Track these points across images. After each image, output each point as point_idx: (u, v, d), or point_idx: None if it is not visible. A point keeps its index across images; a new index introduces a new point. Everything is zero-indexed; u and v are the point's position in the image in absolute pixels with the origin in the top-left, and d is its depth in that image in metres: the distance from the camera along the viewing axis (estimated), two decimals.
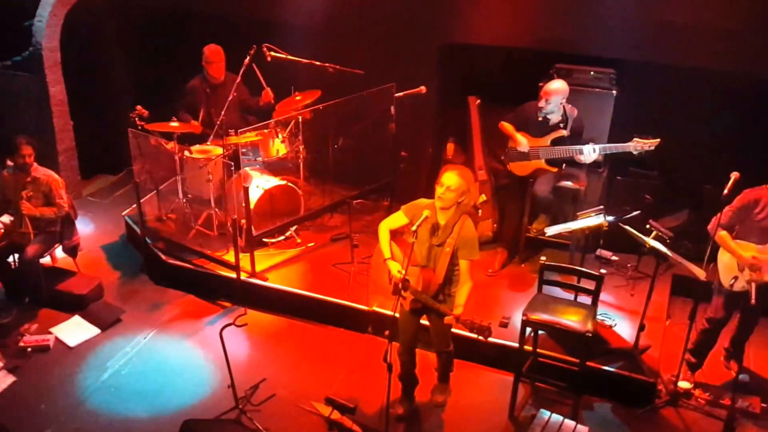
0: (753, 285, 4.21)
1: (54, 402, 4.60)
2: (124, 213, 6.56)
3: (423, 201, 4.12)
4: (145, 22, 7.15)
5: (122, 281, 5.93)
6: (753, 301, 4.16)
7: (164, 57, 6.99)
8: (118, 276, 5.99)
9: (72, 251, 5.72)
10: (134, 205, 6.10)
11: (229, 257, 5.60)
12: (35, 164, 5.31)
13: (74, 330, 5.26)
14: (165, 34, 7.03)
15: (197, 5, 6.89)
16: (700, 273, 4.43)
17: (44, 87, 6.50)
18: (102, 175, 7.66)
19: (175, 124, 5.83)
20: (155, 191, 6.34)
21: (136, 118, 5.72)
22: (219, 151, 5.75)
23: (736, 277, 4.40)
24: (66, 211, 5.39)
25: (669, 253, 4.51)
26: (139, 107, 5.74)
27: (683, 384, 4.68)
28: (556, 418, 3.90)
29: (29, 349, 5.02)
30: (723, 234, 4.45)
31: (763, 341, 5.04)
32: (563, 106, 5.32)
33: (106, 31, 7.21)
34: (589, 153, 5.13)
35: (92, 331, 5.27)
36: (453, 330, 4.36)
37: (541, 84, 5.42)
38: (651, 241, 4.58)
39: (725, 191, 4.29)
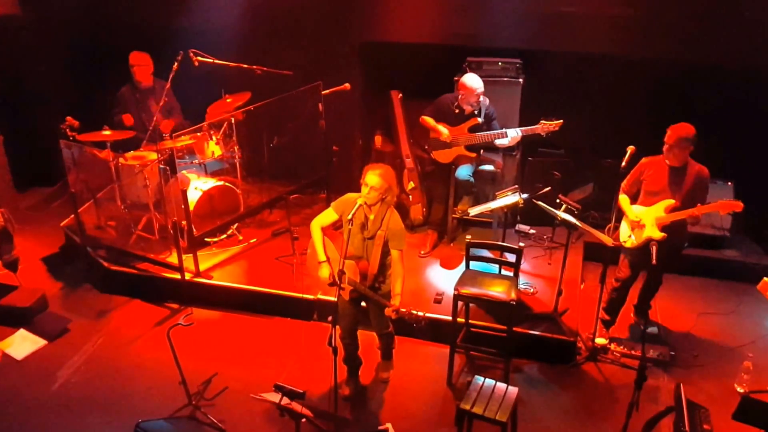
0: (654, 247, 4.51)
1: (4, 415, 4.52)
2: (62, 224, 6.47)
3: (351, 195, 4.22)
4: (70, 34, 7.07)
5: (66, 291, 5.87)
6: (654, 261, 4.47)
7: (92, 68, 6.94)
8: (62, 287, 5.92)
9: (12, 266, 5.62)
10: (72, 216, 6.04)
11: (173, 259, 5.63)
12: None
13: (21, 343, 5.18)
14: (91, 46, 6.99)
15: (121, 17, 6.87)
16: (607, 239, 4.78)
17: None
18: (37, 188, 7.53)
19: (107, 132, 5.79)
20: (92, 200, 6.26)
21: (67, 129, 5.67)
22: (154, 156, 5.77)
23: (630, 236, 4.80)
24: (1, 226, 5.31)
25: (578, 223, 4.84)
26: (69, 118, 5.70)
27: (600, 340, 5.04)
28: (490, 382, 4.05)
29: None
30: (621, 197, 4.84)
31: (667, 296, 5.48)
32: None
33: (31, 44, 7.07)
34: (513, 136, 5.42)
35: (39, 342, 5.19)
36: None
37: (456, 78, 5.72)
38: (562, 214, 4.89)
39: (623, 164, 4.66)
